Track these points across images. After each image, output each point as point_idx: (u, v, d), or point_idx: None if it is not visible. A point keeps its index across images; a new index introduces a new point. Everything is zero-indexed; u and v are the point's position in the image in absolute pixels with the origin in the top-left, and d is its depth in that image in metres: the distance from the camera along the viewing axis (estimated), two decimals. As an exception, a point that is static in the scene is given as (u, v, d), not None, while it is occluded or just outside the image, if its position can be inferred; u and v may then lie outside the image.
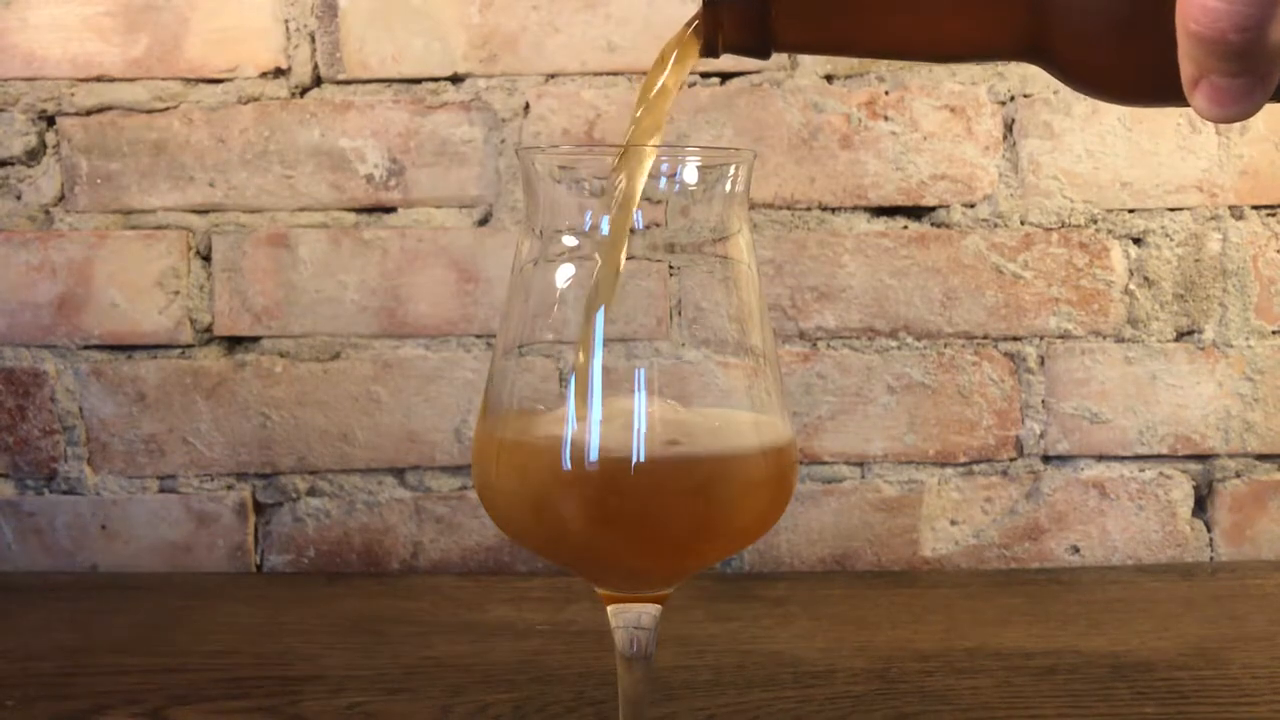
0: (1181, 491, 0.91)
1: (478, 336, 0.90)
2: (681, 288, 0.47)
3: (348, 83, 0.88)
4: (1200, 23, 0.33)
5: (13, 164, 0.89)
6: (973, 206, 0.89)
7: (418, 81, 0.88)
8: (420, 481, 0.91)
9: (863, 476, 0.91)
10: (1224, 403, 0.90)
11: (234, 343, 0.90)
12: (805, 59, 0.88)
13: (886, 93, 0.88)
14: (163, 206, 0.89)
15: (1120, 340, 0.90)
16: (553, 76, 0.88)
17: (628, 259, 0.46)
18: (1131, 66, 0.39)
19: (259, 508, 0.91)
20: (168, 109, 0.89)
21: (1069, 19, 0.39)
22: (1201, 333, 0.90)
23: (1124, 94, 0.41)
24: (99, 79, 0.88)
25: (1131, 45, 0.38)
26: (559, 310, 0.46)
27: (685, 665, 0.69)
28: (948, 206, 0.89)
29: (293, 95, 0.89)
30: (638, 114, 0.44)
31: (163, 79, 0.88)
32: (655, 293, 0.46)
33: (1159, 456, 0.91)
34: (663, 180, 0.46)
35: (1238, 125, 0.89)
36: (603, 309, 0.45)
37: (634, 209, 0.44)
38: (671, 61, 0.43)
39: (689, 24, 0.44)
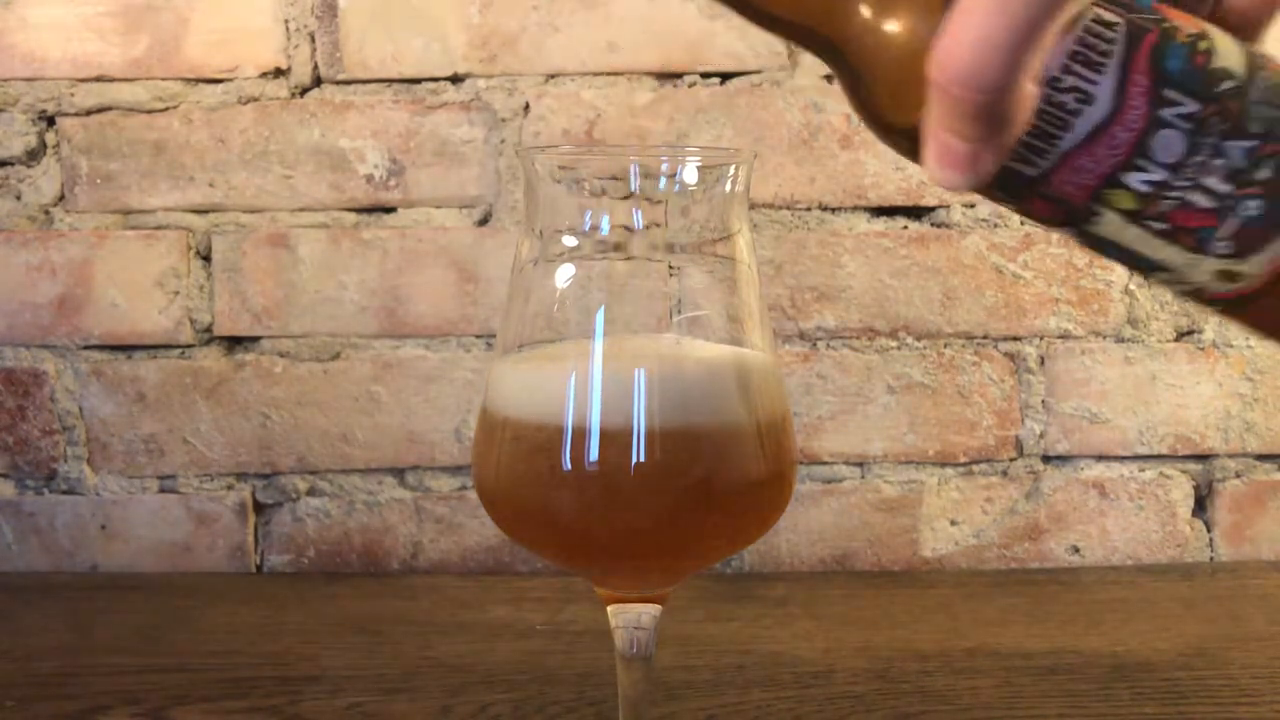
0: (1181, 491, 0.91)
1: (478, 336, 0.90)
2: (681, 288, 0.47)
3: (348, 83, 0.88)
4: (944, 72, 0.31)
5: (13, 164, 0.89)
6: (973, 206, 0.89)
7: (418, 81, 0.88)
8: (420, 481, 0.91)
9: (863, 476, 0.91)
10: (1224, 403, 0.90)
11: (234, 343, 0.90)
12: (806, 59, 0.88)
13: (886, 93, 0.88)
14: (163, 206, 0.89)
15: (1120, 340, 0.90)
16: (553, 76, 0.88)
17: (628, 259, 0.46)
18: (899, 99, 0.37)
19: (259, 508, 0.91)
20: (168, 109, 0.89)
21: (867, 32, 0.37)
22: (1201, 333, 0.90)
23: (887, 130, 0.39)
24: (99, 79, 0.88)
25: (907, 75, 0.36)
26: (559, 311, 0.46)
27: (685, 665, 0.69)
28: (948, 206, 0.89)
29: (293, 95, 0.89)
30: None
31: (163, 79, 0.88)
32: (655, 293, 0.46)
33: (1159, 456, 0.91)
34: (663, 180, 0.46)
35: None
36: (603, 309, 0.45)
37: None
38: None
39: None
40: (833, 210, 0.89)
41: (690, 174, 0.46)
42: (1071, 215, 0.37)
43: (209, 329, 0.90)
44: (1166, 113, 0.35)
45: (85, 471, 0.91)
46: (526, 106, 0.88)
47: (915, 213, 0.89)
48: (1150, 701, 0.64)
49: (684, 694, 0.65)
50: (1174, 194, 0.35)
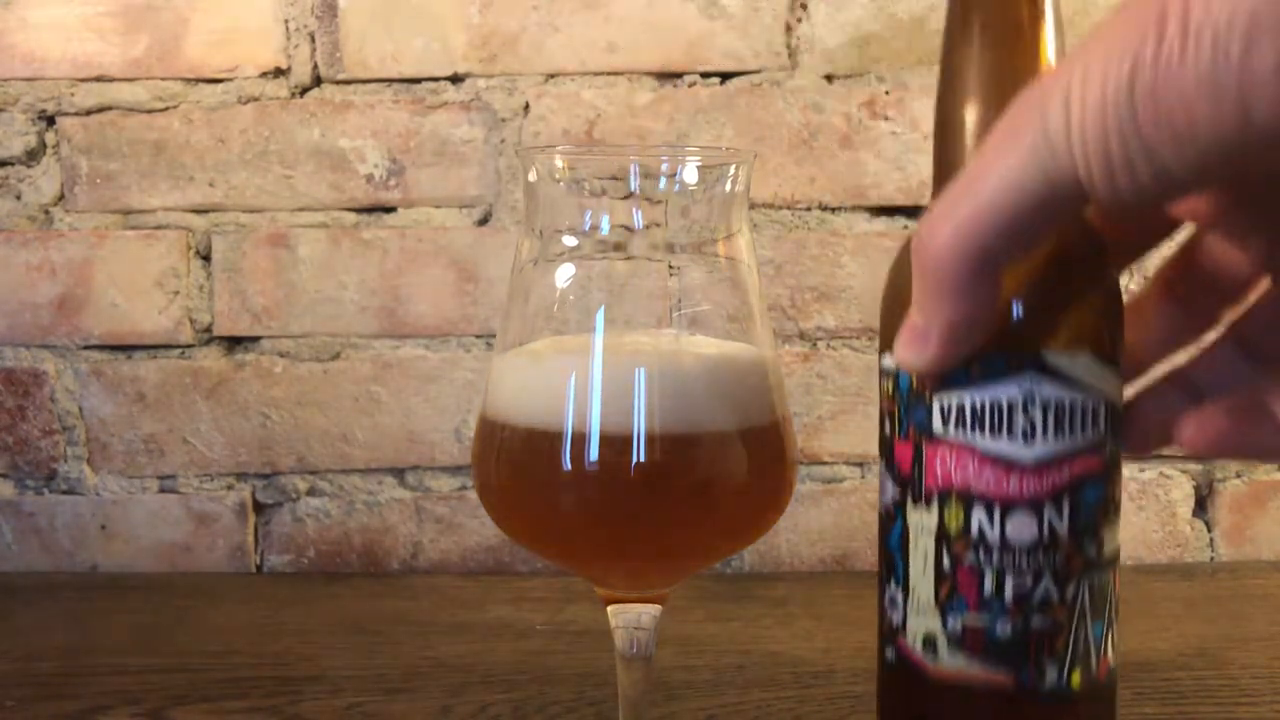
0: (1181, 491, 0.91)
1: (478, 336, 0.90)
2: (681, 288, 0.47)
3: (348, 83, 0.88)
4: (920, 236, 0.32)
5: (13, 164, 0.89)
6: (973, 206, 0.89)
7: (418, 81, 0.88)
8: (420, 481, 0.91)
9: (863, 476, 0.91)
10: (1224, 403, 0.90)
11: (234, 343, 0.90)
12: (804, 58, 0.88)
13: (886, 92, 0.88)
14: (162, 206, 0.89)
15: (1120, 340, 0.90)
16: (553, 76, 0.88)
17: (628, 259, 0.46)
18: None
19: (259, 508, 0.91)
20: (168, 109, 0.89)
21: None
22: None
23: None
24: (99, 79, 0.88)
25: None
26: (559, 311, 0.46)
27: (685, 665, 0.69)
28: (948, 206, 0.89)
29: (293, 95, 0.88)
30: None
31: (163, 79, 0.88)
32: (655, 293, 0.46)
33: (1159, 456, 0.91)
34: (663, 180, 0.46)
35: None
36: (603, 309, 0.45)
37: None
38: None
39: None
40: (833, 210, 0.89)
41: (690, 174, 0.46)
42: (914, 483, 0.37)
43: (209, 329, 0.90)
44: (1050, 514, 0.36)
45: (85, 471, 0.91)
46: (526, 106, 0.88)
47: (915, 213, 0.89)
48: (1150, 701, 0.64)
49: (684, 694, 0.65)
50: (982, 556, 0.36)
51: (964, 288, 0.31)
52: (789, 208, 0.89)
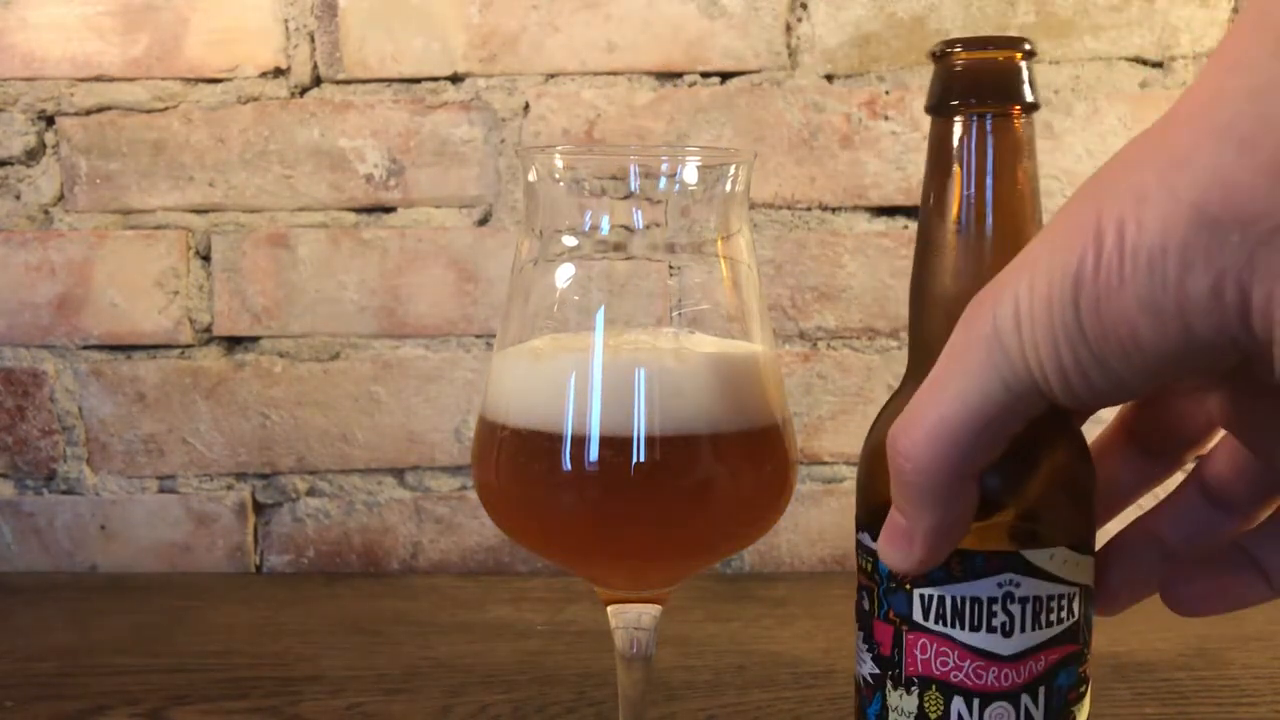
0: (1181, 491, 0.91)
1: (477, 336, 0.90)
2: (681, 288, 0.47)
3: (347, 82, 0.88)
4: (894, 443, 0.32)
5: (12, 164, 0.89)
6: (973, 206, 0.89)
7: (417, 81, 0.88)
8: (420, 481, 0.91)
9: (863, 476, 0.91)
10: (1224, 403, 0.90)
11: (234, 343, 0.90)
12: (805, 58, 0.88)
13: (887, 92, 0.88)
14: (162, 206, 0.89)
15: (1120, 340, 0.90)
16: (552, 76, 0.88)
17: (627, 259, 0.46)
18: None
19: (259, 508, 0.91)
20: (167, 109, 0.89)
21: None
22: (1201, 333, 0.90)
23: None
24: (99, 79, 0.88)
25: None
26: (559, 310, 0.46)
27: (685, 665, 0.69)
28: (948, 206, 0.89)
29: (292, 95, 0.88)
30: None
31: (162, 79, 0.88)
32: (655, 292, 0.46)
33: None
34: (663, 180, 0.46)
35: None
36: (603, 309, 0.45)
37: None
38: None
39: None
40: (833, 210, 0.89)
41: (690, 174, 0.46)
42: (893, 665, 0.38)
43: (209, 329, 0.90)
44: (1026, 701, 0.36)
45: (85, 471, 0.91)
46: (526, 106, 0.88)
47: (916, 213, 0.89)
48: (1150, 701, 0.64)
49: (684, 694, 0.65)
50: None
51: (943, 495, 0.32)
52: (789, 208, 0.89)
